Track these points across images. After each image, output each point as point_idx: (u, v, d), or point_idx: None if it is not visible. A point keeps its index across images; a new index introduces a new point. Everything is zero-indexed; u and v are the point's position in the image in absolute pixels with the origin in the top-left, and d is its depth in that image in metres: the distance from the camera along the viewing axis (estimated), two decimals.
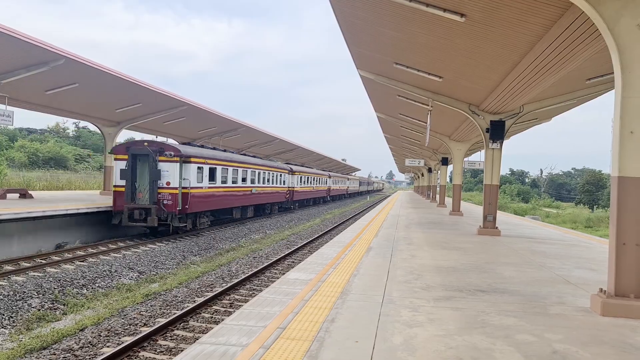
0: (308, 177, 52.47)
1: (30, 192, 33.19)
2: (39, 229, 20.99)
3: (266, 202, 37.46)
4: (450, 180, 44.63)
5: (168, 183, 23.12)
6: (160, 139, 37.20)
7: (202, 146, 28.31)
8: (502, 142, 20.04)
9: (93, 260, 19.07)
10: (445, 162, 40.62)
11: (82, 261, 18.89)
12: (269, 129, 53.60)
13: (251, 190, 32.90)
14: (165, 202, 23.09)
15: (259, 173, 34.77)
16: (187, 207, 24.07)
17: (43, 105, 27.66)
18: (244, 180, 31.64)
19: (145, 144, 23.48)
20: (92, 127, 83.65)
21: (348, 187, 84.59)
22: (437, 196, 47.08)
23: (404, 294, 9.69)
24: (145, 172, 23.26)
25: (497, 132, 19.93)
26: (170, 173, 23.29)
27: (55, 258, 19.19)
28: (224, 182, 28.49)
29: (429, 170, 53.22)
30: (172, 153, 23.32)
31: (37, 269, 17.23)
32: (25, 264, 17.89)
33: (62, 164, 63.59)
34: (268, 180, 37.48)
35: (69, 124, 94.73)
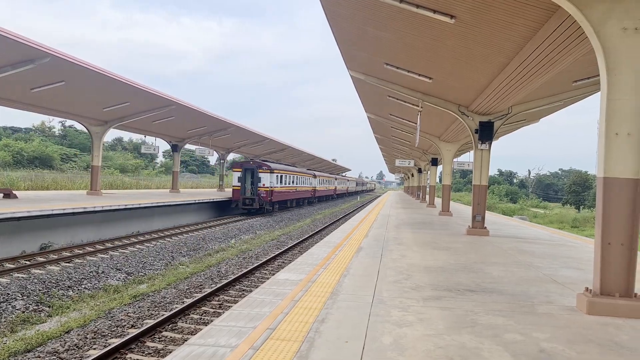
0: (288, 177, 51.15)
1: (14, 192, 32.95)
2: (24, 230, 20.87)
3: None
4: (440, 180, 44.98)
5: (263, 184, 40.83)
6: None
7: (279, 162, 53.67)
8: (491, 143, 20.18)
9: (79, 261, 18.99)
10: (435, 162, 40.30)
11: (68, 262, 18.80)
12: (262, 129, 57.53)
13: (295, 189, 51.59)
14: (262, 195, 40.56)
15: (297, 177, 52.40)
16: (272, 198, 41.74)
17: (28, 104, 27.47)
18: (293, 182, 50.18)
19: (251, 162, 41.36)
20: (78, 126, 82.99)
21: (336, 187, 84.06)
22: (427, 196, 46.65)
23: (394, 294, 9.75)
24: (250, 178, 41.14)
25: (486, 133, 20.07)
26: (264, 179, 40.99)
27: (40, 259, 19.07)
28: (288, 183, 48.38)
29: (419, 170, 52.70)
30: (265, 167, 41.15)
31: (22, 270, 17.10)
32: (9, 265, 17.77)
33: (48, 164, 63.12)
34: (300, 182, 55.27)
35: (55, 123, 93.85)
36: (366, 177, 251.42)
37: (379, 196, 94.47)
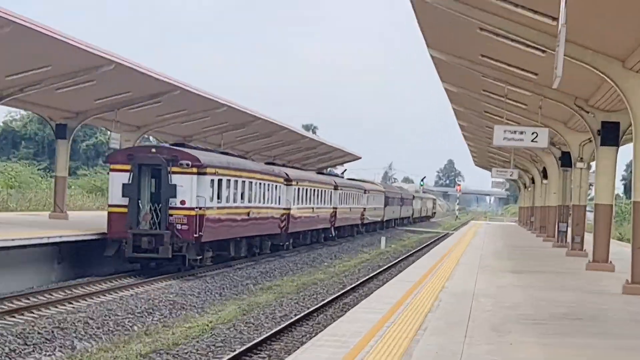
0: (251, 185, 24.22)
1: None
2: None
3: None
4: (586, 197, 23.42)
5: (183, 201, 19.07)
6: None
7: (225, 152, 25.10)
8: None
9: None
10: (567, 161, 23.45)
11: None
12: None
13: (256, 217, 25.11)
14: (179, 227, 18.94)
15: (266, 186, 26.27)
16: (202, 234, 19.73)
17: None
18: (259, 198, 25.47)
19: (154, 150, 19.87)
20: None
21: (365, 209, 43.72)
22: (568, 229, 24.05)
23: None
24: (152, 186, 19.64)
25: None
26: (185, 187, 19.13)
27: None
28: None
29: (544, 174, 32.32)
30: (186, 161, 19.15)
31: None
32: None
33: None
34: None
35: None
36: (415, 187, 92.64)
37: (443, 235, 44.45)
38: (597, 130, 16.27)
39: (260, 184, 24.68)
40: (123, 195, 18.86)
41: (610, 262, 15.94)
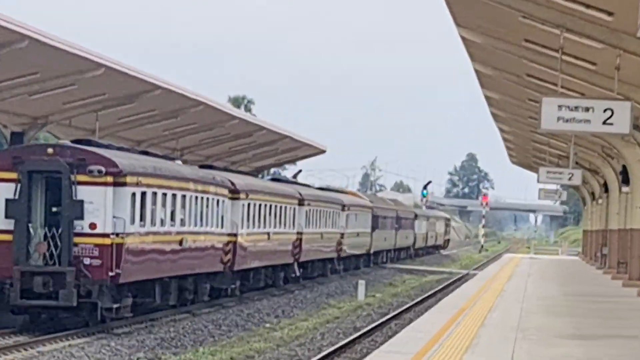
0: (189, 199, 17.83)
1: None
2: None
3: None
4: None
5: (93, 225, 14.03)
6: None
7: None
8: None
9: None
10: None
11: None
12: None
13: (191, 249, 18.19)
14: (87, 263, 13.93)
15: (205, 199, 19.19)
16: (120, 271, 14.29)
17: None
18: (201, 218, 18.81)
19: (53, 150, 14.39)
20: None
21: (343, 235, 31.37)
22: None
23: None
24: (48, 202, 14.54)
25: None
26: (97, 203, 14.10)
27: None
28: None
29: (624, 177, 20.98)
30: (98, 165, 14.07)
31: None
32: None
33: None
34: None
35: None
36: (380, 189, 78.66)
37: (463, 279, 30.78)
38: None
39: (196, 198, 18.06)
40: (7, 216, 13.91)
41: None
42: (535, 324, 11.58)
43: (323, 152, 37.05)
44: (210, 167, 22.71)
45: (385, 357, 8.20)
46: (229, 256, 19.84)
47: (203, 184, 18.57)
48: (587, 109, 9.93)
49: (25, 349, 12.30)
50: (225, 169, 24.14)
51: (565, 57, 12.22)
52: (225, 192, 19.90)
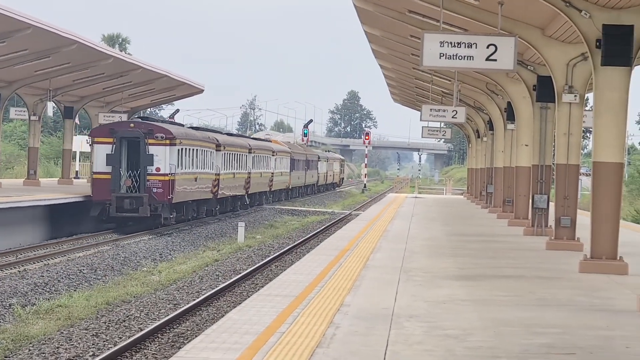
0: (200, 152, 27.96)
1: None
2: None
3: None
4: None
5: (158, 169, 23.37)
6: None
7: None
8: None
9: None
10: (546, 91, 14.99)
11: None
12: None
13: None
14: (155, 190, 23.24)
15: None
16: (172, 197, 23.93)
17: None
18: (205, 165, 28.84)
19: (132, 125, 24.30)
20: None
21: (273, 173, 40.32)
22: (546, 205, 16.01)
23: None
24: (131, 156, 23.70)
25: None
26: (159, 156, 23.50)
27: None
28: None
29: (509, 114, 20.90)
30: (161, 134, 23.57)
31: None
32: None
33: None
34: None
35: None
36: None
37: (345, 220, 30.00)
38: (595, 41, 10.29)
39: (203, 151, 27.36)
40: (107, 164, 23.05)
41: (621, 258, 10.55)
42: (418, 265, 11.47)
43: (201, 91, 37.32)
44: (198, 128, 32.58)
45: (266, 300, 8.02)
46: (215, 188, 28.95)
47: (204, 141, 27.81)
48: (470, 45, 9.73)
49: (118, 241, 21.17)
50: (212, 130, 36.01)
51: None
52: (213, 146, 28.83)
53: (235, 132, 51.78)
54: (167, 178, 23.06)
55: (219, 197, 29.17)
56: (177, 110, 47.11)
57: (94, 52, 25.34)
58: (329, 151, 69.26)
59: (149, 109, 45.42)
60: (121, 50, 58.67)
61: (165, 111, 52.58)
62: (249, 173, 33.94)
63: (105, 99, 33.35)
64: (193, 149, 25.73)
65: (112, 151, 22.76)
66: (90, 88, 30.86)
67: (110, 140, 22.89)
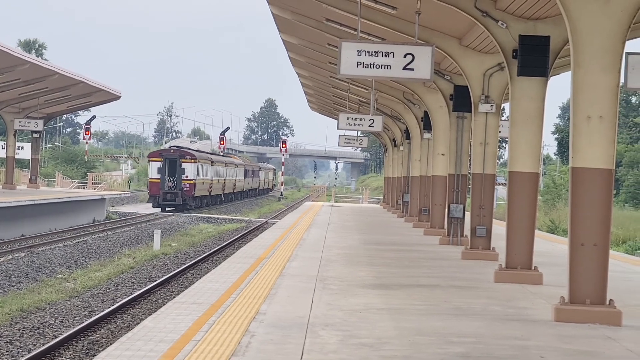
0: (208, 168, 48.04)
1: None
2: None
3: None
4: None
5: (187, 177, 40.63)
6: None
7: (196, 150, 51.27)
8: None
9: None
10: (463, 101, 14.86)
11: None
12: None
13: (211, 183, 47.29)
14: (185, 188, 40.41)
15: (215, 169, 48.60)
16: (194, 192, 41.74)
17: None
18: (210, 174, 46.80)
19: (172, 151, 43.35)
20: None
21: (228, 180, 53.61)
22: (463, 214, 16.10)
23: None
24: (171, 169, 41.13)
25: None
26: (188, 170, 41.00)
27: None
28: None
29: (426, 123, 21.24)
30: (189, 156, 41.72)
31: None
32: None
33: None
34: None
35: None
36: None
37: (262, 228, 30.20)
38: (512, 51, 10.42)
39: (206, 166, 44.71)
40: (157, 173, 40.52)
41: (536, 268, 10.58)
42: (335, 273, 11.26)
43: (118, 97, 37.43)
44: (202, 152, 51.43)
45: (182, 308, 7.92)
46: (211, 189, 46.89)
47: (206, 160, 45.74)
48: (387, 54, 9.55)
49: (33, 248, 21.64)
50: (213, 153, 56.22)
51: (365, 2, 11.84)
52: (209, 162, 46.09)
53: (208, 150, 64.41)
54: (192, 182, 40.47)
55: (212, 194, 47.84)
56: (94, 117, 46.44)
57: (10, 57, 24.56)
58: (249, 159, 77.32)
59: (65, 115, 44.25)
60: (38, 56, 57.57)
61: (82, 117, 51.56)
62: (225, 179, 51.03)
63: (21, 105, 32.65)
64: (204, 165, 43.64)
65: (161, 166, 40.14)
66: (6, 94, 29.72)
67: (160, 159, 40.58)
